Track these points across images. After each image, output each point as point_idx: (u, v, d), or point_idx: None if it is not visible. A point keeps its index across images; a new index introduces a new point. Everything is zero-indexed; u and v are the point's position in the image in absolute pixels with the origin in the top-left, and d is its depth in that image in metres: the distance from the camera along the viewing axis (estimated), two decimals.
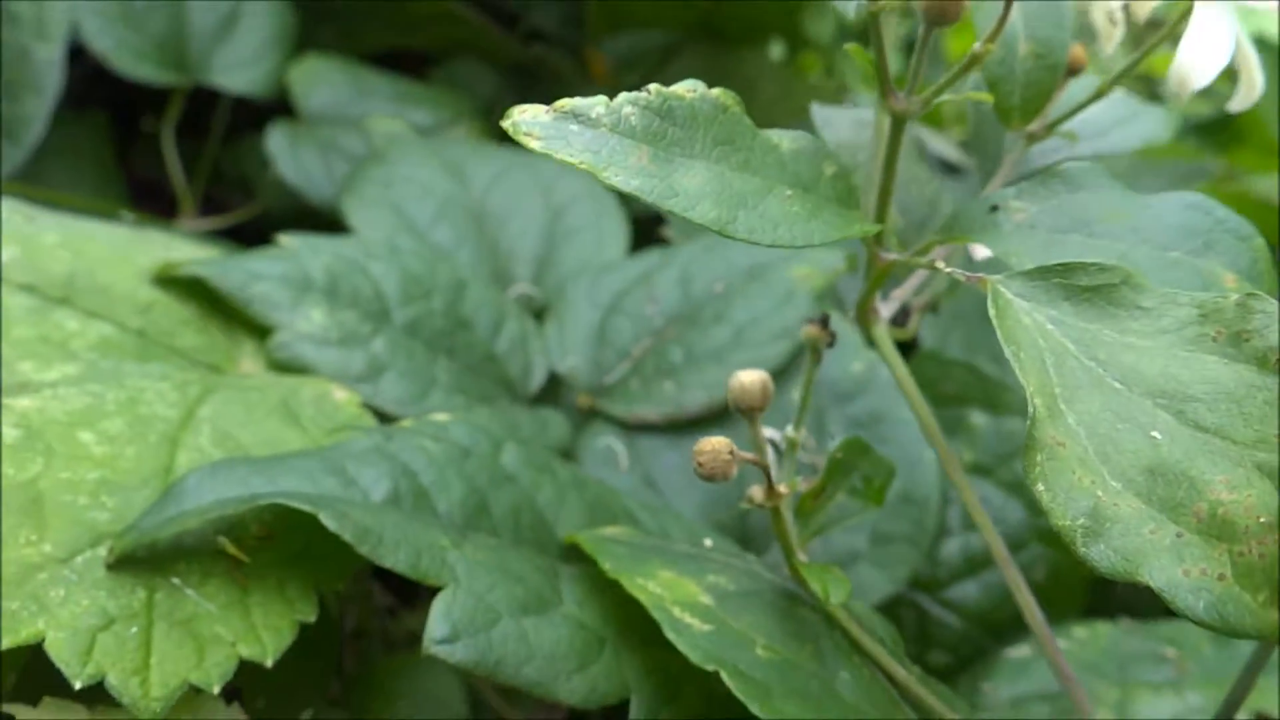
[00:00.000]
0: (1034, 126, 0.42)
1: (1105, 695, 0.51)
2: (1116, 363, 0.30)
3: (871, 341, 0.41)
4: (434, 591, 0.37)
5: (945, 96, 0.34)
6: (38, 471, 0.39)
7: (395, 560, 0.37)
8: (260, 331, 0.51)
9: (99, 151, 0.75)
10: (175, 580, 0.38)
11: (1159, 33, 0.40)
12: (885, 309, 0.41)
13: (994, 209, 0.36)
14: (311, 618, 0.39)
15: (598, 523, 0.45)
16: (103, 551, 0.38)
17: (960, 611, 0.56)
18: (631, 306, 0.58)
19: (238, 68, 0.72)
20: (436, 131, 0.73)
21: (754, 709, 0.35)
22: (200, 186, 0.74)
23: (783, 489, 0.37)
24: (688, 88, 0.32)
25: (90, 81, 0.74)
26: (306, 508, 0.37)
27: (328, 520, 0.37)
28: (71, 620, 0.36)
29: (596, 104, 0.31)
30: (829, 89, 0.83)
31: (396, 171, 0.64)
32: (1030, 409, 0.29)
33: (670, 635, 0.36)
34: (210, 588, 0.38)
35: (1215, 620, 0.27)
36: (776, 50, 0.86)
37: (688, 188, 0.31)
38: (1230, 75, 0.42)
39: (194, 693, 0.37)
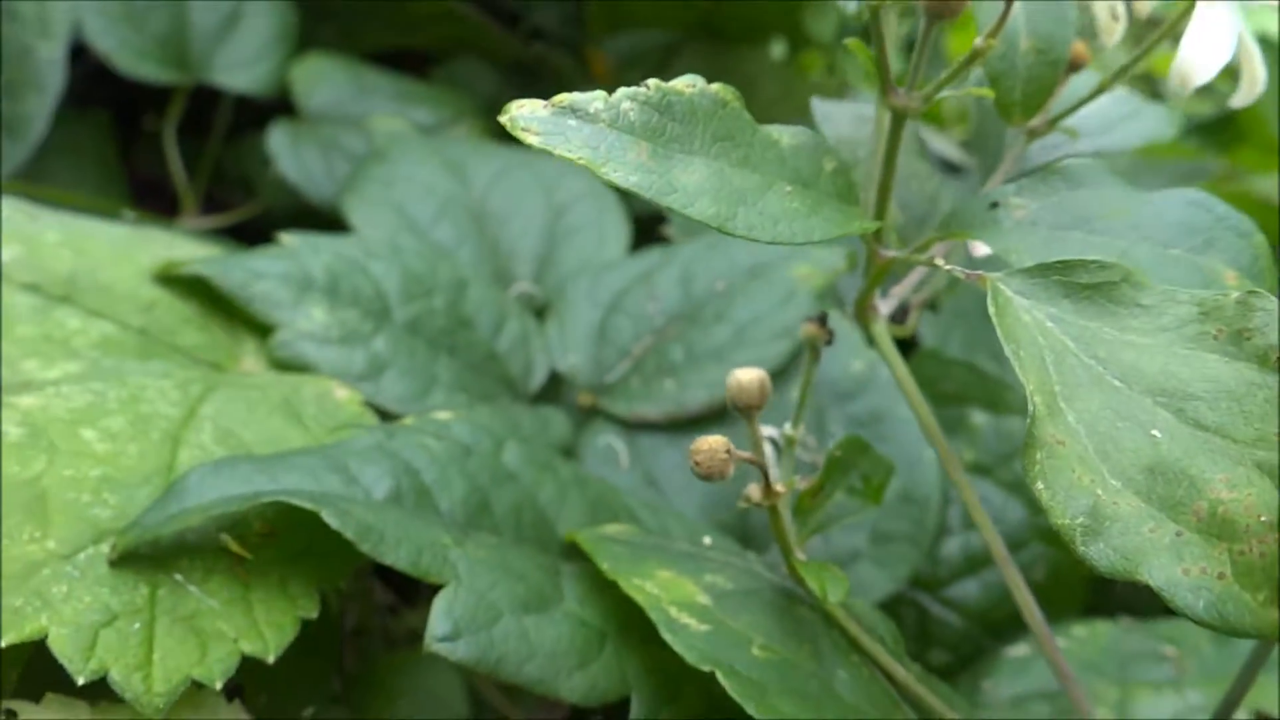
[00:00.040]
0: (1035, 122, 0.42)
1: (1105, 694, 0.51)
2: (1116, 361, 0.30)
3: (871, 339, 0.41)
4: (435, 589, 0.37)
5: (946, 92, 0.34)
6: (41, 469, 0.39)
7: (396, 558, 0.37)
8: (262, 330, 0.51)
9: (101, 150, 0.75)
10: (178, 577, 0.38)
11: (1160, 29, 0.40)
12: (884, 306, 0.41)
13: (994, 206, 0.36)
14: (313, 615, 0.39)
15: (599, 521, 0.45)
16: (105, 548, 0.38)
17: (961, 610, 0.56)
18: (632, 305, 0.58)
19: (239, 67, 0.72)
20: (438, 130, 0.73)
21: (749, 709, 0.35)
22: (202, 185, 0.74)
23: (780, 488, 0.37)
24: (687, 83, 0.32)
25: (92, 80, 0.74)
26: (309, 505, 0.38)
27: (330, 518, 0.37)
28: (74, 616, 0.36)
29: (595, 99, 0.31)
30: (830, 88, 0.83)
31: (397, 170, 0.64)
32: (1030, 407, 0.29)
33: (666, 636, 0.36)
34: (212, 584, 0.38)
35: (1215, 619, 0.27)
36: (778, 49, 0.86)
37: (687, 184, 0.31)
38: (1232, 74, 0.42)
39: (196, 689, 0.37)
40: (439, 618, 0.36)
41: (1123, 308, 0.30)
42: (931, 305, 0.47)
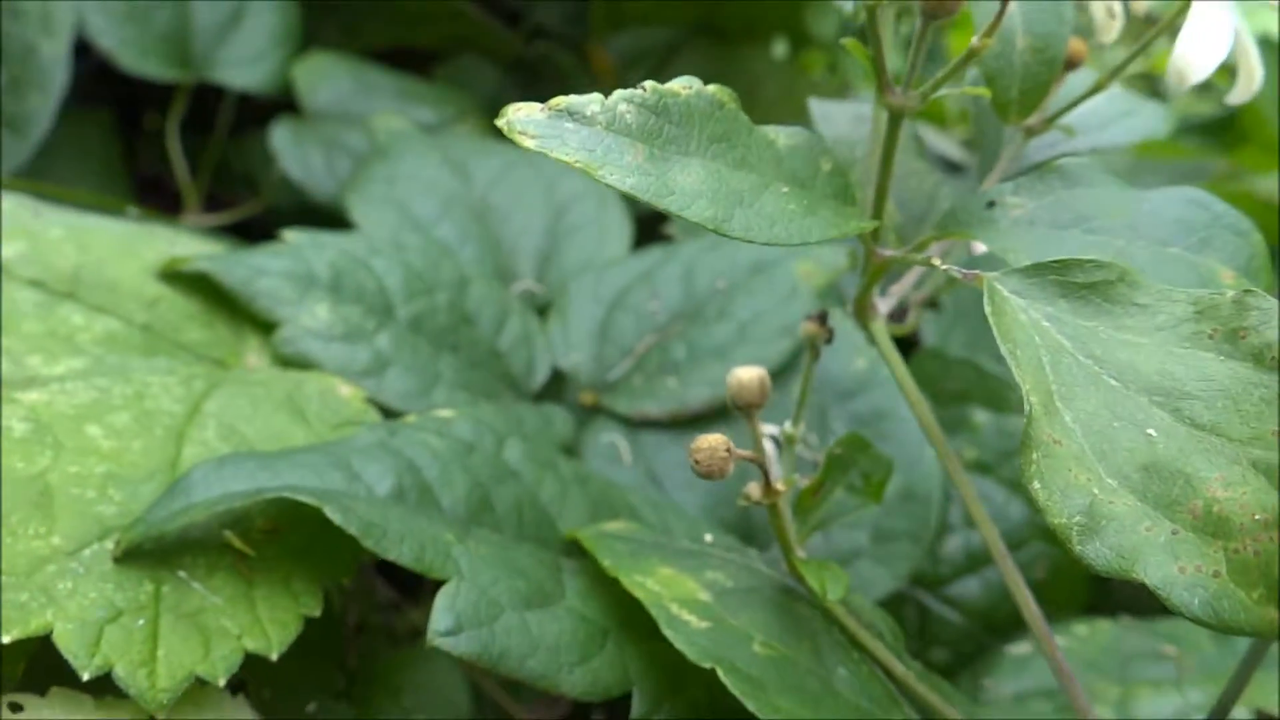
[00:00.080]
0: (1032, 121, 0.42)
1: (1106, 693, 0.51)
2: (1113, 360, 0.30)
3: (870, 338, 0.41)
4: (437, 586, 0.37)
5: (943, 91, 0.34)
6: (46, 465, 0.40)
7: (400, 553, 0.37)
8: (265, 327, 0.51)
9: (104, 148, 0.75)
10: (182, 573, 0.38)
11: (1156, 27, 0.40)
12: (884, 305, 0.41)
13: (991, 205, 0.36)
14: (316, 611, 0.39)
15: (600, 518, 0.45)
16: (110, 544, 0.38)
17: (962, 608, 0.57)
18: (634, 303, 0.58)
19: (242, 64, 0.72)
20: (440, 128, 0.73)
21: (750, 705, 0.35)
22: (204, 183, 0.74)
23: (780, 485, 0.37)
24: (683, 84, 0.32)
25: (95, 78, 0.74)
26: (312, 501, 0.38)
27: (333, 514, 0.37)
28: (79, 612, 0.36)
29: (591, 102, 0.31)
30: (832, 87, 0.83)
31: (400, 168, 0.64)
32: (1026, 406, 0.29)
33: (667, 632, 0.36)
34: (216, 581, 0.38)
35: (1210, 617, 0.27)
36: (780, 48, 0.86)
37: (684, 186, 0.31)
38: (1233, 73, 0.42)
39: (200, 685, 0.37)
40: (441, 613, 0.36)
41: (1119, 307, 0.30)
42: (933, 304, 0.48)
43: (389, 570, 0.52)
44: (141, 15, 0.71)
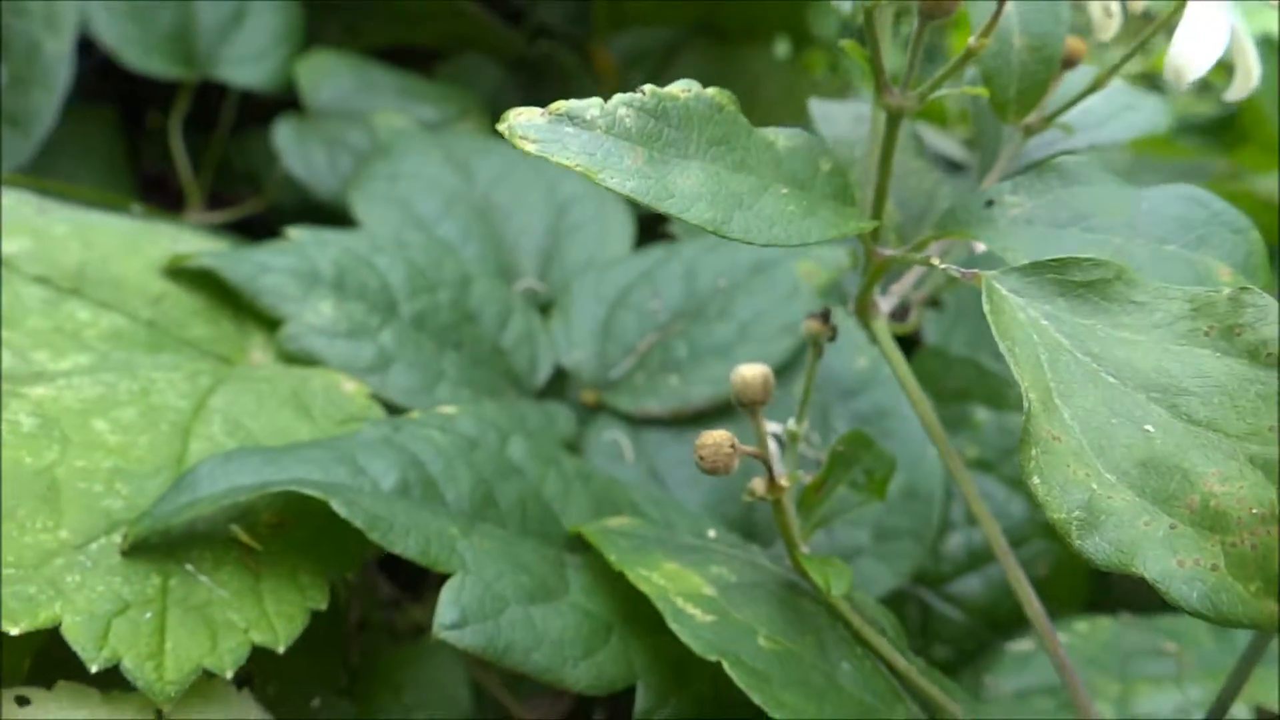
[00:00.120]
0: (1031, 119, 0.43)
1: (1106, 689, 0.52)
2: (1110, 357, 0.30)
3: (871, 337, 0.41)
4: (439, 583, 0.38)
5: (942, 91, 0.35)
6: (53, 459, 0.40)
7: (405, 547, 0.38)
8: (269, 323, 0.51)
9: (107, 145, 0.75)
10: (189, 567, 0.38)
11: (1153, 25, 0.40)
12: (885, 304, 0.42)
13: (990, 204, 0.36)
14: (323, 605, 0.39)
15: (603, 514, 0.45)
16: (117, 538, 0.38)
17: (963, 606, 0.57)
18: (636, 301, 0.58)
19: (245, 62, 0.73)
20: (442, 127, 0.73)
21: (755, 698, 0.35)
22: (207, 180, 0.75)
23: (784, 482, 0.37)
24: (682, 88, 0.32)
25: (99, 76, 0.74)
26: (318, 495, 0.38)
27: (339, 507, 0.38)
28: (87, 605, 0.36)
29: (591, 106, 0.31)
30: (833, 87, 0.84)
31: (403, 166, 0.65)
32: (1025, 403, 0.29)
33: (673, 626, 0.36)
34: (223, 574, 0.39)
35: (1208, 610, 0.27)
36: (781, 48, 0.87)
37: (683, 188, 0.31)
38: (1230, 71, 0.42)
39: (207, 678, 0.37)
40: (446, 606, 0.37)
41: (1116, 305, 0.31)
42: (934, 303, 0.48)
43: (391, 567, 0.53)
44: (145, 13, 0.71)
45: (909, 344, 0.62)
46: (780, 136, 0.34)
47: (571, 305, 0.58)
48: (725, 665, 0.35)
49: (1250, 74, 0.42)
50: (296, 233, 0.54)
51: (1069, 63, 0.42)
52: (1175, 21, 0.39)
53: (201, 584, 0.38)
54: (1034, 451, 0.29)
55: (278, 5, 0.74)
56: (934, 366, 0.60)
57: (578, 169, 0.30)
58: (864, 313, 0.41)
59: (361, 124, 0.72)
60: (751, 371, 0.35)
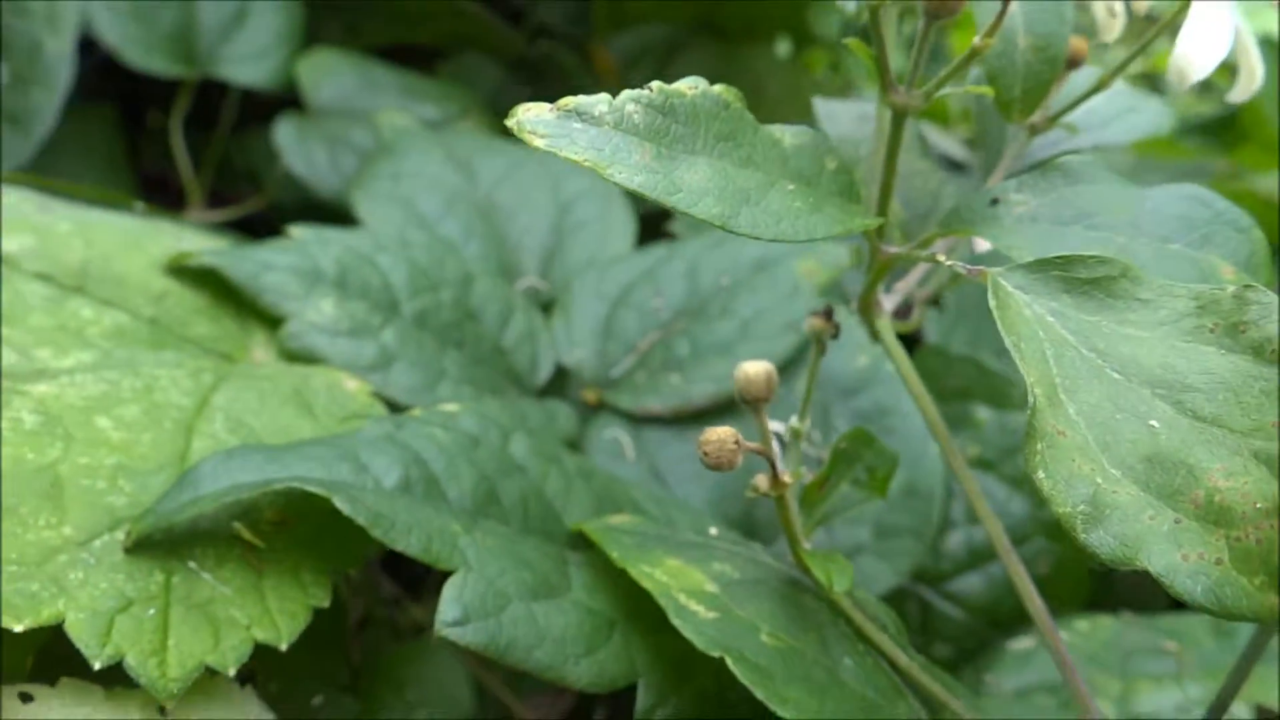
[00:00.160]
0: (1035, 119, 0.43)
1: (1107, 687, 0.52)
2: (1115, 353, 0.30)
3: (875, 335, 0.42)
4: (441, 581, 0.38)
5: (946, 90, 0.35)
6: (57, 456, 0.40)
7: (408, 544, 0.38)
8: (271, 321, 0.52)
9: (108, 144, 0.75)
10: (192, 564, 0.38)
11: (1156, 26, 0.40)
12: (888, 302, 0.42)
13: (994, 202, 0.36)
14: (325, 603, 0.39)
15: (604, 512, 0.45)
16: (120, 535, 0.38)
17: (963, 604, 0.57)
18: (638, 300, 0.58)
19: (246, 61, 0.73)
20: (444, 126, 0.73)
21: (758, 694, 0.35)
22: (208, 179, 0.75)
23: (787, 478, 0.37)
24: (690, 84, 0.33)
25: (100, 74, 0.74)
26: (321, 492, 0.38)
27: (342, 504, 0.38)
28: (90, 602, 0.36)
29: (599, 102, 0.31)
30: (835, 85, 0.84)
31: (405, 165, 0.65)
32: (1031, 399, 0.29)
33: (676, 622, 0.36)
34: (226, 571, 0.39)
35: (1212, 603, 0.27)
36: (783, 47, 0.87)
37: (690, 184, 0.32)
38: (1233, 72, 0.42)
39: (209, 676, 0.37)
40: (449, 603, 0.37)
41: (1121, 302, 0.31)
42: (936, 302, 0.48)
43: (392, 566, 0.53)
44: (146, 12, 0.71)
45: (910, 343, 0.62)
46: (786, 134, 0.34)
47: (573, 304, 0.58)
48: (728, 661, 0.35)
49: (1254, 75, 0.42)
50: (299, 231, 0.54)
51: (1073, 63, 0.42)
52: (1179, 22, 0.39)
53: (204, 581, 0.38)
54: (1039, 446, 0.29)
55: (279, 4, 0.74)
56: (935, 365, 0.60)
57: (586, 164, 0.30)
58: (868, 310, 0.41)
59: (363, 122, 0.72)
60: (755, 368, 0.35)
